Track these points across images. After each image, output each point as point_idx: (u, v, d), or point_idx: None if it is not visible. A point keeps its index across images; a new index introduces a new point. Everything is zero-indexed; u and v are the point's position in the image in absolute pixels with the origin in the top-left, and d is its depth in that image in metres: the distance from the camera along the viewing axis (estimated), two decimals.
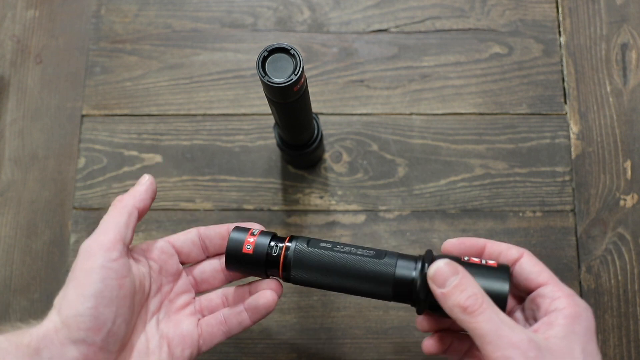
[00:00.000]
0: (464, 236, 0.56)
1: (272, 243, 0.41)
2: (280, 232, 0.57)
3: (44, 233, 0.58)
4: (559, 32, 0.62)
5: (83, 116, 0.61)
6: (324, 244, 0.41)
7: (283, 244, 0.41)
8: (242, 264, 0.41)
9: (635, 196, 0.57)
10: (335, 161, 0.59)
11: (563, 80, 0.60)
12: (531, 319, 0.39)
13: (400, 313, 0.55)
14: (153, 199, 0.42)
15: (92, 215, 0.58)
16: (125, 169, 0.59)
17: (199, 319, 0.42)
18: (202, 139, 0.60)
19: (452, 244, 0.41)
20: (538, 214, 0.57)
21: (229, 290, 0.44)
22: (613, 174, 0.58)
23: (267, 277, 0.42)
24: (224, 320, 0.42)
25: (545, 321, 0.36)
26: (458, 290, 0.35)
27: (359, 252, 0.40)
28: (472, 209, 0.57)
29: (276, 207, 0.58)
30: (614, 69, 0.60)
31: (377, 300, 0.55)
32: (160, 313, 0.41)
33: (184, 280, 0.43)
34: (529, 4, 0.62)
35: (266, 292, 0.41)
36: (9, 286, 0.57)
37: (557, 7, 0.62)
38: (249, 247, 0.41)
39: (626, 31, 0.61)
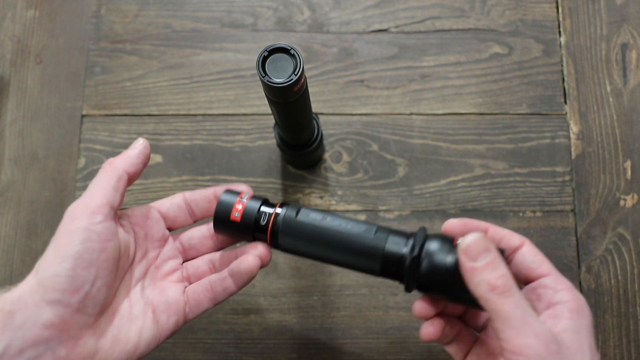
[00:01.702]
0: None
1: (262, 209, 0.40)
2: None
3: (44, 233, 0.58)
4: (559, 32, 0.62)
5: (83, 116, 0.61)
6: (315, 215, 0.40)
7: (273, 211, 0.40)
8: (229, 229, 0.41)
9: (635, 196, 0.57)
10: (335, 161, 0.59)
11: (563, 80, 0.60)
12: None
13: (400, 313, 0.55)
14: (145, 164, 0.41)
15: None
16: None
17: (185, 286, 0.42)
18: (202, 139, 0.60)
19: (454, 224, 0.40)
20: (538, 214, 0.57)
21: (216, 255, 0.43)
22: (613, 174, 0.58)
23: (253, 240, 0.42)
24: (210, 287, 0.41)
25: (550, 313, 0.36)
26: (490, 267, 0.34)
27: (349, 225, 0.39)
28: (472, 209, 0.57)
29: None
30: (614, 69, 0.60)
31: (377, 300, 0.55)
32: (146, 279, 0.41)
33: (171, 247, 0.43)
34: (529, 4, 0.62)
35: (248, 257, 0.40)
36: None
37: (557, 7, 0.62)
38: (237, 214, 0.40)
39: (626, 31, 0.61)
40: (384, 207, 0.58)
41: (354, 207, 0.58)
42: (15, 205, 0.59)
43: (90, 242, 0.35)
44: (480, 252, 0.34)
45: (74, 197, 0.59)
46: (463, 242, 0.35)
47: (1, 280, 0.57)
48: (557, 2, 0.62)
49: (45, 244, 0.58)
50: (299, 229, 0.39)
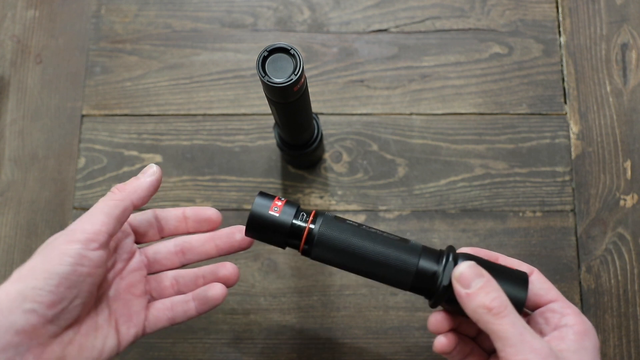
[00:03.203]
0: (464, 236, 0.56)
1: (298, 215, 0.40)
2: None
3: (44, 233, 0.58)
4: (559, 32, 0.62)
5: (83, 116, 0.61)
6: (350, 222, 0.40)
7: (309, 217, 0.40)
8: (264, 228, 0.40)
9: (635, 196, 0.57)
10: (335, 161, 0.59)
11: (563, 80, 0.60)
12: (538, 332, 0.39)
13: (400, 313, 0.55)
14: (154, 192, 0.41)
15: None
16: (125, 169, 0.60)
17: (148, 300, 0.42)
18: (202, 139, 0.60)
19: (466, 252, 0.42)
20: (538, 214, 0.57)
21: (181, 273, 0.44)
22: (613, 174, 0.58)
23: (285, 247, 0.41)
24: (171, 307, 0.42)
25: (556, 335, 0.37)
26: (483, 292, 0.36)
27: (383, 239, 0.39)
28: (472, 209, 0.57)
29: None
30: (614, 69, 0.60)
31: (377, 300, 0.55)
32: (111, 289, 0.41)
33: (137, 259, 0.43)
34: (529, 4, 0.62)
35: (216, 286, 0.41)
36: None
37: (557, 7, 0.62)
38: (276, 209, 0.40)
39: (626, 31, 0.61)
40: (384, 207, 0.58)
41: (354, 207, 0.58)
42: (15, 205, 0.59)
43: (81, 266, 0.36)
44: (473, 278, 0.36)
45: (73, 197, 0.59)
46: (456, 271, 0.37)
47: (1, 280, 0.57)
48: (557, 2, 0.62)
49: None
50: (336, 238, 0.39)
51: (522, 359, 0.34)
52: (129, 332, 0.40)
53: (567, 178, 0.58)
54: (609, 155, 0.58)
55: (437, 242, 0.57)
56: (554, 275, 0.56)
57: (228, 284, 0.43)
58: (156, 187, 0.41)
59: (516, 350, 0.34)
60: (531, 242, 0.57)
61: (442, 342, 0.40)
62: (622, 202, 0.57)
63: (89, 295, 0.37)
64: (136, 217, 0.43)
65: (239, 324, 0.56)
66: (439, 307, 0.40)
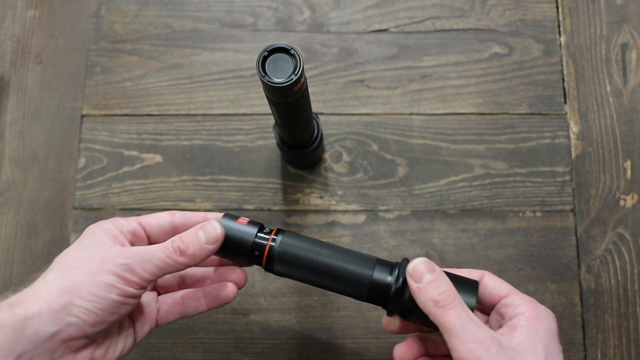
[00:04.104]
0: (464, 236, 0.56)
1: (260, 233, 0.42)
2: None
3: (44, 233, 0.58)
4: (559, 32, 0.62)
5: (83, 116, 0.61)
6: (308, 242, 0.42)
7: (270, 236, 0.42)
8: (228, 247, 0.42)
9: (635, 196, 0.57)
10: (335, 161, 0.59)
11: (563, 80, 0.60)
12: (497, 328, 0.40)
13: None
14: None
15: (92, 215, 0.58)
16: (125, 169, 0.60)
17: (156, 295, 0.44)
18: (202, 139, 0.60)
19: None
20: (538, 214, 0.57)
21: (187, 272, 0.45)
22: (613, 174, 0.58)
23: (250, 265, 0.43)
24: (181, 302, 0.43)
25: (508, 325, 0.38)
26: (433, 286, 0.37)
27: (339, 254, 0.41)
28: (472, 209, 0.57)
29: (276, 207, 0.58)
30: (614, 69, 0.60)
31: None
32: None
33: None
34: (529, 4, 0.62)
35: (228, 285, 0.42)
36: (9, 286, 0.57)
37: (557, 7, 0.62)
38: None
39: (626, 31, 0.61)
40: (384, 207, 0.58)
41: (354, 207, 0.58)
42: (15, 205, 0.59)
43: (124, 297, 0.37)
44: (424, 273, 0.38)
45: (73, 197, 0.59)
46: (409, 266, 0.39)
47: (1, 280, 0.57)
48: (557, 2, 0.62)
49: (45, 244, 0.58)
50: (294, 256, 0.41)
51: (466, 348, 0.35)
52: (143, 328, 0.42)
53: (567, 178, 0.58)
54: (609, 155, 0.58)
55: (437, 242, 0.57)
56: (554, 275, 0.56)
57: (237, 287, 0.43)
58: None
59: (460, 340, 0.35)
60: (531, 242, 0.57)
61: (400, 350, 0.41)
62: (622, 202, 0.57)
63: (125, 317, 0.39)
64: (151, 222, 0.43)
65: (239, 324, 0.56)
66: (398, 324, 0.42)
